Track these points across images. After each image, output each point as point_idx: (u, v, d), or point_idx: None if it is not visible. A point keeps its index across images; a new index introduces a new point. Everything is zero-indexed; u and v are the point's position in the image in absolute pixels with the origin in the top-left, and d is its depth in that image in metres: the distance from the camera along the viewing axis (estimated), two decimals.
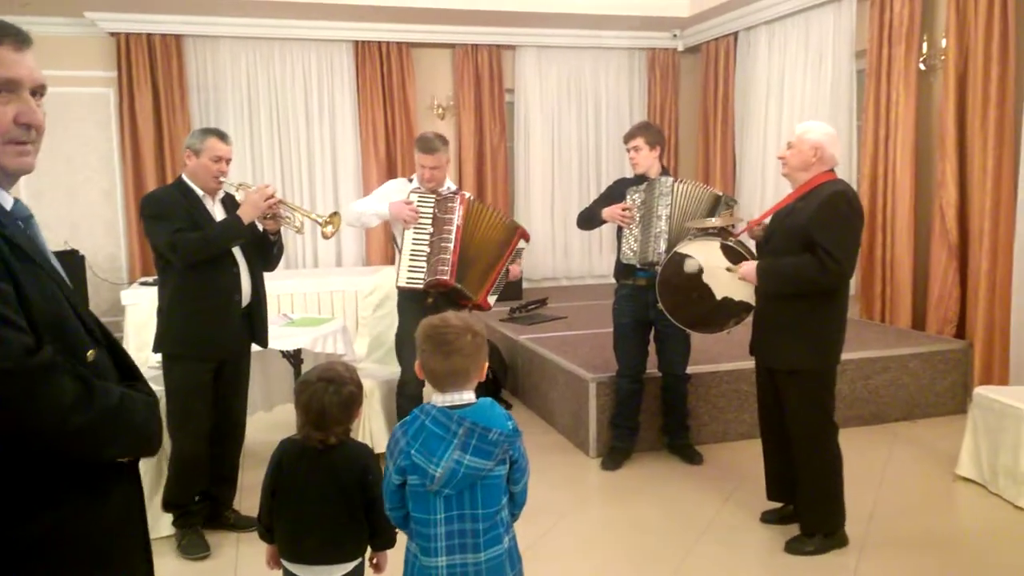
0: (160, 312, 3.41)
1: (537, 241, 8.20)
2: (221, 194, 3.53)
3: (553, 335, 5.71)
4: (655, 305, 4.05)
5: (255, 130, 7.47)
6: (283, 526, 2.32)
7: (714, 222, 3.67)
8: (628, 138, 4.24)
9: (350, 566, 2.30)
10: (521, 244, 4.14)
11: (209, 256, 3.30)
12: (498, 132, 8.00)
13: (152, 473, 3.49)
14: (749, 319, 3.51)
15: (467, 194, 4.09)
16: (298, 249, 7.66)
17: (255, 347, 3.66)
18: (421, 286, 3.93)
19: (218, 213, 3.47)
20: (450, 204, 3.95)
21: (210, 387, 3.43)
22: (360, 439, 4.19)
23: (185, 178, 3.42)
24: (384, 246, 7.70)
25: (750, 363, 4.57)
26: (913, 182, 5.69)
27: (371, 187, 7.37)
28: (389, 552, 2.38)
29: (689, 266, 3.59)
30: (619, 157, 8.00)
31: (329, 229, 3.69)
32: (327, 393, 2.26)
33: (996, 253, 5.00)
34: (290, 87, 7.50)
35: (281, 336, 4.18)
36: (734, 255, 3.51)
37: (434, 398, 1.98)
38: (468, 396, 1.98)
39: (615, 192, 4.32)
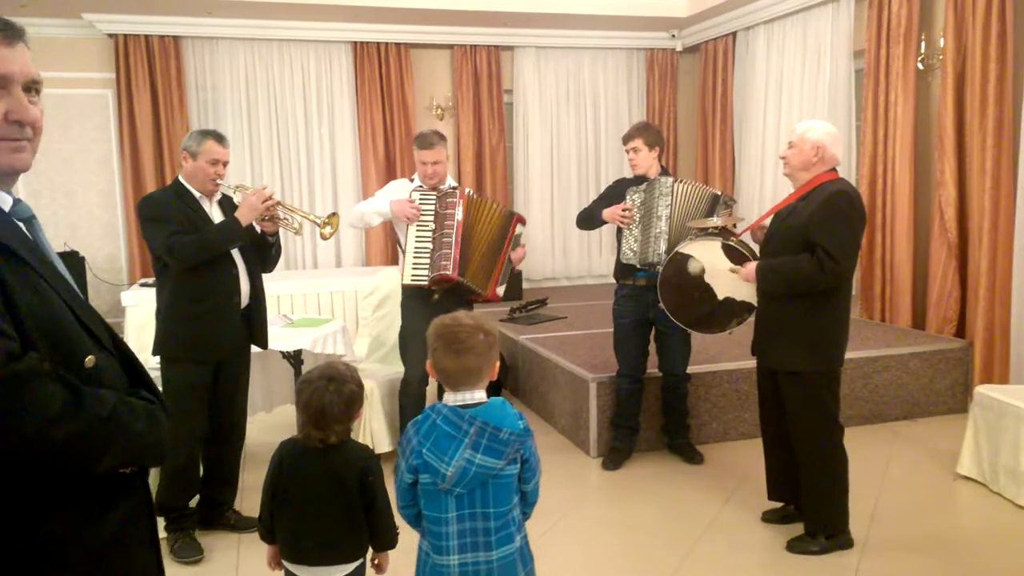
0: (158, 314, 3.40)
1: (537, 241, 8.20)
2: (218, 196, 3.52)
3: (553, 335, 5.71)
4: (655, 305, 4.05)
5: (254, 131, 7.47)
6: (284, 527, 2.32)
7: (715, 222, 3.67)
8: (627, 139, 4.23)
9: (351, 567, 2.30)
10: (519, 229, 4.15)
11: (207, 258, 3.29)
12: (497, 132, 8.00)
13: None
14: (751, 319, 3.50)
15: (468, 190, 4.10)
16: (298, 250, 7.66)
17: (255, 348, 3.66)
18: (426, 283, 3.94)
19: (216, 215, 3.46)
20: (450, 200, 3.96)
21: (208, 389, 3.43)
22: (361, 440, 4.21)
23: (182, 180, 3.41)
24: (384, 247, 7.70)
25: (750, 363, 4.58)
26: (912, 181, 5.70)
27: (370, 188, 7.38)
28: (391, 553, 2.38)
29: (693, 267, 3.59)
30: (618, 157, 8.01)
31: (327, 230, 3.69)
32: (328, 391, 2.26)
33: (996, 252, 5.01)
34: (289, 88, 7.50)
35: (281, 337, 4.18)
36: (735, 255, 3.50)
37: (445, 397, 1.99)
38: (479, 395, 1.98)
39: (615, 192, 4.32)
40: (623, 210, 4.12)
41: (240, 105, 7.40)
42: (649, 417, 4.52)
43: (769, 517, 3.62)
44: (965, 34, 5.21)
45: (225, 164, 3.44)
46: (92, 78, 7.11)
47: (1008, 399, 3.86)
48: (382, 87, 7.62)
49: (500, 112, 8.01)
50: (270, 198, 3.42)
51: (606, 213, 4.21)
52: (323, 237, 3.73)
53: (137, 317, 5.57)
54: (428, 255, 3.94)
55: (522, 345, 5.60)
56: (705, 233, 3.64)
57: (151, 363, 3.42)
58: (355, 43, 7.55)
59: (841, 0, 6.38)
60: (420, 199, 4.02)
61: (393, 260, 7.42)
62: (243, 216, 3.36)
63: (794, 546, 3.34)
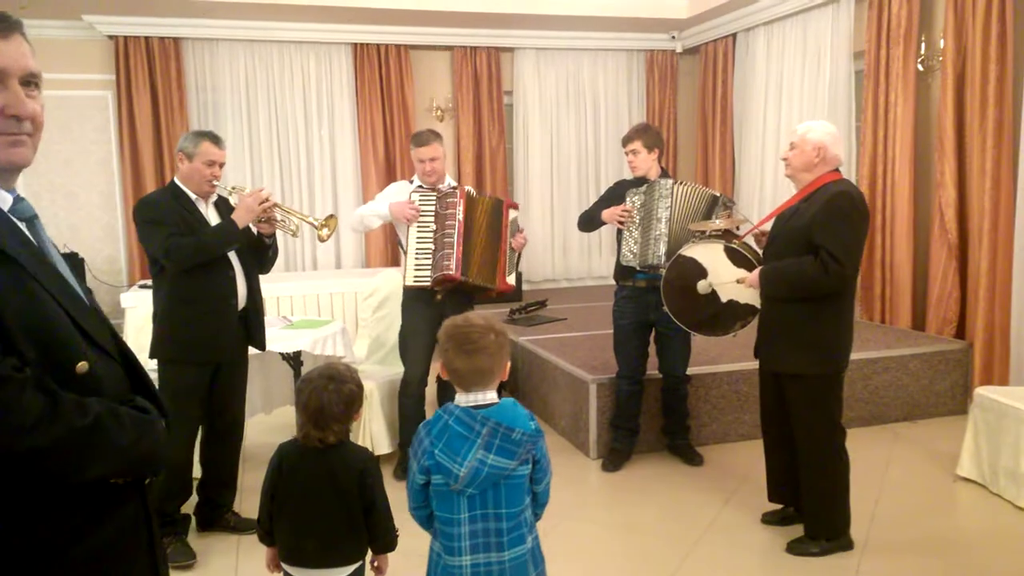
0: (155, 317, 3.38)
1: (537, 243, 8.20)
2: (214, 197, 3.50)
3: (553, 336, 5.71)
4: (655, 306, 4.05)
5: (254, 133, 7.46)
6: (283, 529, 2.32)
7: (718, 224, 3.65)
8: (626, 141, 4.23)
9: (350, 569, 2.30)
10: (513, 215, 4.14)
11: (204, 261, 3.28)
12: (497, 134, 8.00)
13: None
14: (755, 322, 3.48)
15: (468, 188, 4.10)
16: (297, 251, 7.66)
17: (253, 350, 3.65)
18: (428, 283, 3.94)
19: (212, 216, 3.45)
20: (450, 199, 3.96)
21: (206, 392, 3.42)
22: (360, 441, 4.22)
23: (178, 182, 3.39)
24: (383, 248, 7.70)
25: (750, 364, 4.58)
26: (912, 183, 5.69)
27: (370, 189, 7.38)
28: (390, 555, 2.38)
29: (702, 288, 3.55)
30: (618, 159, 8.00)
31: (325, 232, 3.68)
32: (327, 391, 2.26)
33: (996, 253, 5.00)
34: (289, 90, 7.49)
35: (281, 338, 4.18)
36: (738, 257, 3.48)
37: (457, 398, 2.00)
38: (491, 396, 1.99)
39: (615, 194, 4.32)
40: (623, 211, 4.12)
41: (240, 107, 7.40)
42: (649, 418, 4.52)
43: (769, 519, 3.62)
44: (965, 35, 5.21)
45: (221, 166, 3.42)
46: (92, 80, 7.11)
47: (1008, 400, 3.85)
48: (382, 88, 7.62)
49: (500, 114, 8.01)
50: (267, 200, 3.41)
51: (605, 214, 4.21)
52: (320, 239, 3.72)
53: (136, 319, 5.57)
54: (430, 256, 3.94)
55: (522, 346, 5.59)
56: (708, 236, 3.63)
57: (149, 366, 3.41)
58: (355, 45, 7.55)
59: (841, 1, 6.37)
60: (420, 200, 4.02)
61: (393, 261, 7.42)
62: (240, 218, 3.34)
63: (794, 548, 3.33)
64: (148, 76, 7.04)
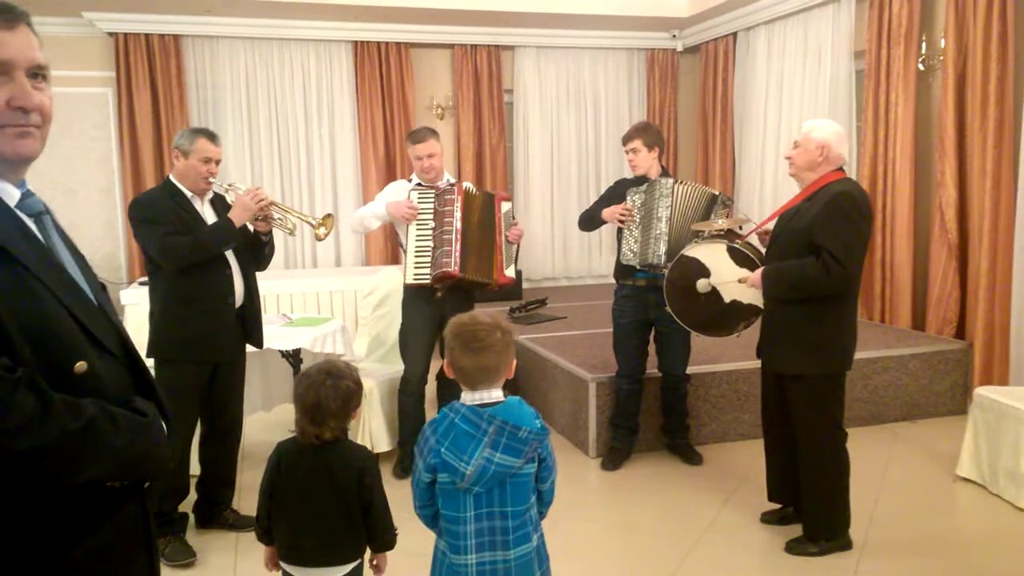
0: (152, 316, 3.37)
1: (537, 241, 8.20)
2: (210, 194, 3.48)
3: (553, 335, 5.71)
4: (655, 305, 4.05)
5: (254, 130, 7.45)
6: (281, 527, 2.31)
7: (721, 224, 3.63)
8: (626, 140, 4.23)
9: (349, 567, 2.29)
10: (505, 207, 4.14)
11: (200, 260, 3.26)
12: (497, 132, 8.00)
13: None
14: (759, 322, 3.46)
15: (466, 184, 4.09)
16: (298, 249, 7.65)
17: (253, 348, 3.64)
18: (428, 281, 3.94)
19: (208, 214, 3.42)
20: (448, 197, 3.97)
21: (203, 390, 3.41)
22: (360, 439, 4.22)
23: (173, 179, 3.37)
24: (383, 246, 7.69)
25: (749, 363, 4.58)
26: (912, 182, 5.69)
27: (370, 187, 7.38)
28: (389, 554, 2.38)
29: (702, 287, 3.54)
30: (618, 157, 8.00)
31: (322, 231, 3.66)
32: (324, 386, 2.25)
33: (996, 253, 5.00)
34: (289, 87, 7.48)
35: (280, 336, 4.17)
36: (741, 257, 3.46)
37: (463, 396, 2.00)
38: (497, 394, 1.99)
39: (615, 193, 4.32)
40: (623, 210, 4.12)
41: (240, 104, 7.39)
42: (648, 417, 4.52)
43: (768, 518, 3.62)
44: (966, 34, 5.21)
45: (217, 163, 3.39)
46: (92, 76, 7.10)
47: (1008, 401, 3.85)
48: (382, 86, 7.61)
49: (500, 112, 8.00)
50: (264, 199, 3.39)
51: (605, 213, 4.20)
52: (318, 238, 3.71)
53: (136, 316, 5.57)
54: (429, 253, 3.94)
55: (521, 345, 5.59)
56: (710, 236, 3.61)
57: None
58: (355, 42, 7.54)
59: (842, 1, 6.37)
60: (419, 198, 4.02)
61: (393, 259, 7.42)
62: (236, 217, 3.33)
63: (793, 547, 3.33)
64: (148, 73, 7.03)
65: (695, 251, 3.60)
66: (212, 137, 3.38)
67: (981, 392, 4.04)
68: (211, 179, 3.39)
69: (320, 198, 7.65)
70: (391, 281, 4.86)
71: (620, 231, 4.21)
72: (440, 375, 4.30)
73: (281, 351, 4.30)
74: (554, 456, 2.08)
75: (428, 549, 2.10)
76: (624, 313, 4.27)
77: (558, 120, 8.28)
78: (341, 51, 7.56)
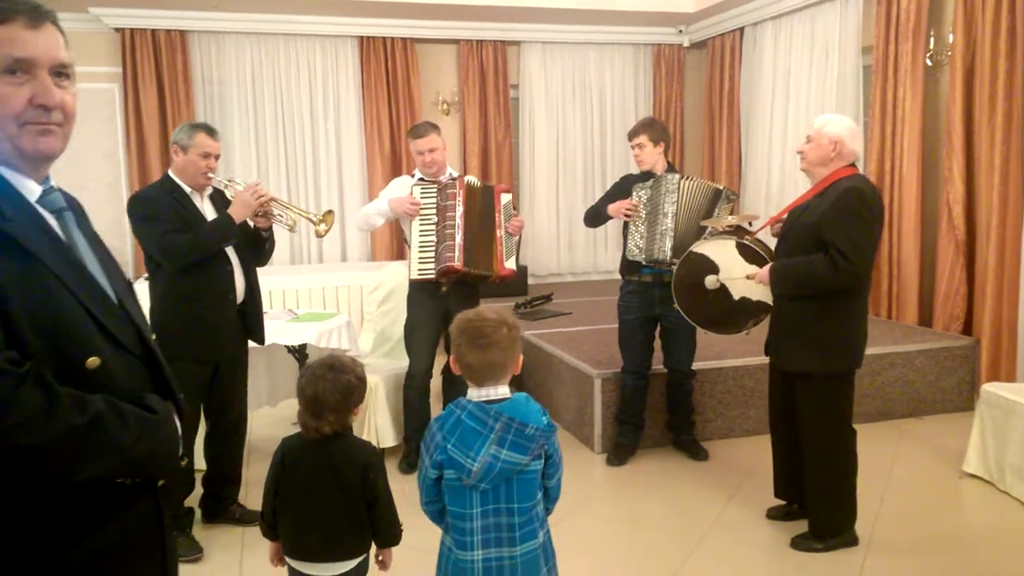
0: (152, 314, 3.33)
1: (542, 237, 8.19)
2: (209, 190, 3.46)
3: (558, 331, 5.71)
4: (661, 301, 4.04)
5: (260, 126, 7.46)
6: (286, 523, 2.32)
7: (730, 220, 3.61)
8: (632, 135, 4.22)
9: (354, 563, 2.30)
10: (505, 199, 4.13)
11: (200, 257, 3.24)
12: (503, 128, 7.99)
13: None
14: (768, 319, 3.43)
15: (468, 178, 4.09)
16: (303, 244, 7.66)
17: (254, 344, 3.62)
18: (433, 276, 3.94)
19: (207, 210, 3.41)
20: (451, 191, 3.97)
21: (206, 388, 3.40)
22: (365, 434, 4.23)
23: (172, 175, 3.35)
24: (389, 242, 7.70)
25: (755, 359, 4.58)
26: (920, 178, 5.66)
27: (375, 182, 7.38)
28: (394, 549, 2.38)
29: (710, 283, 3.52)
30: (624, 153, 7.99)
31: (322, 228, 3.62)
32: (324, 379, 2.25)
33: (1003, 249, 4.98)
34: (295, 83, 7.49)
35: (286, 331, 4.17)
36: (750, 254, 3.43)
37: (470, 393, 2.00)
38: (503, 391, 1.99)
39: (621, 189, 4.31)
40: (629, 206, 4.11)
41: (246, 100, 7.40)
42: (654, 413, 4.51)
43: (774, 514, 3.61)
44: (974, 30, 5.18)
45: (216, 158, 3.37)
46: (98, 72, 7.12)
47: (1015, 397, 3.84)
48: (388, 82, 7.61)
49: (506, 107, 7.99)
50: (264, 195, 3.37)
51: (611, 209, 4.20)
52: (318, 235, 3.65)
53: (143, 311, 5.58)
54: (433, 248, 3.94)
55: (527, 341, 5.59)
56: (719, 232, 3.59)
57: None
58: (361, 38, 7.54)
59: None
60: (421, 193, 4.02)
61: (398, 255, 7.42)
62: (236, 213, 3.31)
63: (799, 543, 3.32)
64: (154, 69, 7.05)
65: (704, 247, 3.58)
66: (211, 132, 3.36)
67: (988, 388, 4.03)
68: (210, 174, 3.37)
69: (326, 193, 7.65)
70: (396, 276, 4.87)
71: (626, 227, 4.20)
72: (445, 371, 4.31)
73: (287, 346, 4.30)
74: (561, 453, 2.08)
75: (434, 545, 2.10)
76: (630, 309, 4.27)
77: (564, 116, 8.27)
78: (347, 46, 7.56)
